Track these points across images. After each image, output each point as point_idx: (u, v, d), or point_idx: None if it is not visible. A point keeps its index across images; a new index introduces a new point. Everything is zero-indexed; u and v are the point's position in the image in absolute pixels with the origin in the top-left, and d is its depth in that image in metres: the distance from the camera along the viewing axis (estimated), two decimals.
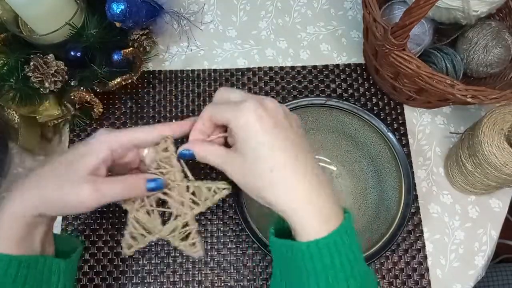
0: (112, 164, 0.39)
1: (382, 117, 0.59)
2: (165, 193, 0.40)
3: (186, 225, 0.41)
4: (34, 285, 0.35)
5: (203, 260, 0.53)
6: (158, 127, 0.40)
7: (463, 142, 0.51)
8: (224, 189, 0.40)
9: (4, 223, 0.34)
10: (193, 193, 0.41)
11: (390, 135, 0.51)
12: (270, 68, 0.61)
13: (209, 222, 0.55)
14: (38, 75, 0.49)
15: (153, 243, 0.54)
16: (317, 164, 0.36)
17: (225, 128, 0.40)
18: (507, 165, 0.46)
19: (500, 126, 0.47)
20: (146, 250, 0.54)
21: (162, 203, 0.41)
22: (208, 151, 0.38)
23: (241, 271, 0.53)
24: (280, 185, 0.34)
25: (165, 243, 0.54)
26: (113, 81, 0.52)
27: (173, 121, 0.43)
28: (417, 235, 0.54)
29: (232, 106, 0.36)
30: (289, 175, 0.34)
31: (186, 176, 0.41)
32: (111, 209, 0.55)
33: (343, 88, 0.60)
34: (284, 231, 0.37)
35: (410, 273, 0.53)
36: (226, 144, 0.41)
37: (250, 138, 0.34)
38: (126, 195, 0.38)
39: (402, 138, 0.58)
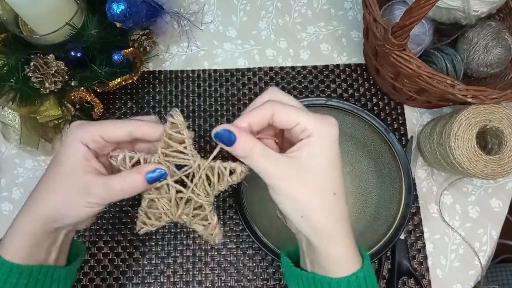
0: (98, 156, 0.37)
1: (382, 117, 0.59)
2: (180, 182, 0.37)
3: (200, 207, 0.37)
4: None
5: (203, 260, 0.53)
6: (130, 125, 0.36)
7: (434, 131, 0.53)
8: (242, 171, 0.35)
9: (15, 236, 0.35)
10: (207, 176, 0.36)
11: (390, 135, 0.51)
12: (270, 68, 0.61)
13: None
14: (38, 75, 0.49)
15: (153, 243, 0.54)
16: None
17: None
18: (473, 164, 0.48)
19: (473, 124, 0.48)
20: (146, 250, 0.54)
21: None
22: (256, 147, 0.32)
23: (242, 271, 0.53)
24: (335, 209, 0.32)
25: (165, 242, 0.54)
26: (113, 81, 0.52)
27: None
28: (418, 235, 0.54)
29: (310, 114, 0.32)
30: (343, 202, 0.32)
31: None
32: (111, 209, 0.55)
33: (343, 88, 0.60)
34: (291, 257, 0.37)
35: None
36: None
37: (327, 153, 0.31)
38: (128, 194, 0.36)
39: (402, 138, 0.58)
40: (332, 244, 0.32)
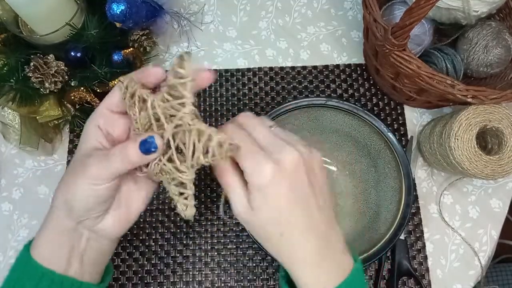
0: (112, 139, 0.35)
1: (382, 118, 0.59)
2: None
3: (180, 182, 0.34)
4: None
5: (203, 260, 0.53)
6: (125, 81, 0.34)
7: (434, 132, 0.53)
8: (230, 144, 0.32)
9: (46, 238, 0.34)
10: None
11: (390, 135, 0.51)
12: (270, 69, 0.61)
13: (209, 223, 0.55)
14: (38, 75, 0.49)
15: (152, 243, 0.54)
16: (331, 212, 0.35)
17: None
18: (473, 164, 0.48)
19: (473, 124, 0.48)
20: (146, 250, 0.54)
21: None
22: (229, 185, 0.34)
23: (242, 271, 0.53)
24: (287, 246, 0.33)
25: (165, 242, 0.54)
26: (113, 81, 0.52)
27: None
28: (418, 235, 0.54)
29: (253, 157, 0.32)
30: (298, 238, 0.33)
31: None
32: None
33: (343, 89, 0.60)
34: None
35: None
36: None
37: (265, 200, 0.32)
38: (127, 168, 0.33)
39: (402, 138, 0.58)
40: (296, 271, 0.34)
